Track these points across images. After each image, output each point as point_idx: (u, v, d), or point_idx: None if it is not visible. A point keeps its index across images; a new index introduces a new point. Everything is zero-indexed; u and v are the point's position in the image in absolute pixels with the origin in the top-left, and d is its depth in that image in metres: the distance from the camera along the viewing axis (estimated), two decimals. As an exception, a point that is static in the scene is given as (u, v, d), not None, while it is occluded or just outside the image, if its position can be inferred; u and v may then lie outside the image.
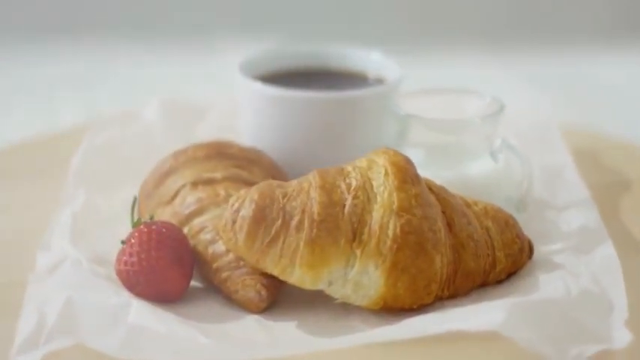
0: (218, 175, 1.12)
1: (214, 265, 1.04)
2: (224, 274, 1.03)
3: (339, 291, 1.00)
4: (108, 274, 1.05)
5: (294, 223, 0.99)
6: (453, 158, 1.20)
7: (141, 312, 0.96)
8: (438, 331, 0.92)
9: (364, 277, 0.99)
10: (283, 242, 0.99)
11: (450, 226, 1.04)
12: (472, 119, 1.20)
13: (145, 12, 2.24)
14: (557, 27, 2.25)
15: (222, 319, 1.01)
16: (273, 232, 0.99)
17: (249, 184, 1.12)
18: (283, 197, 1.01)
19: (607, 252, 1.07)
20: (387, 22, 2.24)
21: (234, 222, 1.00)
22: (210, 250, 1.05)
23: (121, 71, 2.12)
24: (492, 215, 1.09)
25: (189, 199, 1.09)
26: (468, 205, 1.09)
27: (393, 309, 1.01)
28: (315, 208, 0.99)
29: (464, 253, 1.04)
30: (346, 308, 1.03)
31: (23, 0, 2.23)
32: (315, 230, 0.98)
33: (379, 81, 1.31)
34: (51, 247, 1.10)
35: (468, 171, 1.19)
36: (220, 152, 1.14)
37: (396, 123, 1.23)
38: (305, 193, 1.01)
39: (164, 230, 1.03)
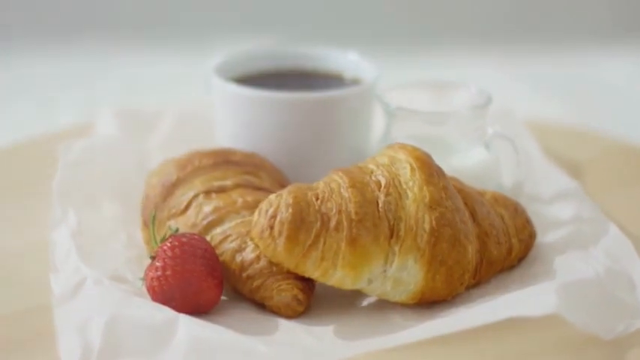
0: (229, 182, 1.10)
1: (244, 274, 1.03)
2: (256, 282, 1.02)
3: (378, 288, 1.01)
4: (134, 290, 1.03)
5: (332, 224, 0.99)
6: (442, 150, 1.22)
7: (192, 326, 0.94)
8: (498, 319, 0.93)
9: (403, 273, 1.00)
10: (324, 244, 0.98)
11: (473, 215, 1.06)
12: (461, 110, 1.22)
13: (145, 12, 2.19)
14: (557, 27, 2.29)
15: (265, 326, 1.00)
16: (313, 234, 0.98)
17: (259, 189, 1.11)
18: (316, 199, 1.01)
19: (614, 232, 1.11)
20: (387, 22, 2.24)
21: (271, 228, 0.99)
22: (239, 258, 1.03)
23: (120, 71, 2.07)
24: (503, 202, 1.12)
25: (206, 209, 1.07)
26: (480, 194, 1.11)
27: (427, 302, 1.02)
28: (352, 208, 0.99)
29: (488, 241, 1.06)
30: (378, 305, 1.04)
31: (23, 0, 2.15)
32: (354, 230, 0.98)
33: (355, 81, 1.31)
34: (59, 269, 1.06)
35: (457, 162, 1.21)
36: (226, 159, 1.13)
37: (385, 116, 1.25)
38: (337, 193, 1.01)
39: (194, 242, 1.01)
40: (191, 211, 1.08)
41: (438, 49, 2.21)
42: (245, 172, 1.12)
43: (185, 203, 1.09)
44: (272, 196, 1.01)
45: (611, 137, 1.51)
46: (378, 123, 1.32)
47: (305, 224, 0.99)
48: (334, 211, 0.99)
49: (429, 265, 1.00)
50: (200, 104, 1.47)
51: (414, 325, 0.98)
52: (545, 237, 1.16)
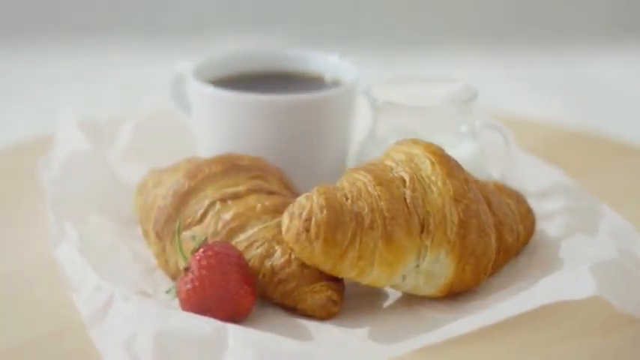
0: (241, 188, 1.09)
1: (275, 278, 1.02)
2: (289, 286, 1.01)
3: (410, 283, 1.01)
4: (162, 303, 1.01)
5: (367, 222, 0.99)
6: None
7: (246, 335, 0.92)
8: (541, 304, 0.95)
9: (435, 266, 1.01)
10: (360, 243, 0.99)
11: (489, 205, 1.08)
12: (447, 104, 1.24)
13: (145, 12, 2.13)
14: (557, 27, 2.30)
15: (301, 330, 0.99)
16: (349, 234, 0.98)
17: (271, 193, 1.10)
18: (346, 199, 1.01)
19: (610, 215, 1.15)
20: (388, 22, 2.22)
21: (307, 230, 0.98)
22: (268, 263, 1.02)
23: (120, 71, 2.02)
24: (506, 192, 1.15)
25: (225, 216, 1.06)
26: (485, 184, 1.13)
27: (454, 293, 1.04)
28: (383, 205, 1.00)
29: (502, 229, 1.09)
30: (404, 300, 1.05)
31: (23, 0, 2.07)
32: (389, 227, 0.99)
33: (336, 83, 1.31)
34: (78, 288, 1.03)
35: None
36: (234, 165, 1.11)
37: (372, 112, 1.25)
38: (365, 192, 1.01)
39: (226, 250, 0.99)
40: (209, 220, 1.06)
41: (437, 48, 2.23)
42: (254, 177, 1.11)
43: (201, 212, 1.07)
44: (301, 199, 1.00)
45: (557, 125, 1.56)
46: (359, 124, 1.32)
47: (341, 225, 0.98)
48: (366, 209, 1.00)
49: (459, 257, 1.01)
50: (166, 109, 1.44)
51: (454, 318, 0.99)
52: (541, 224, 1.19)
